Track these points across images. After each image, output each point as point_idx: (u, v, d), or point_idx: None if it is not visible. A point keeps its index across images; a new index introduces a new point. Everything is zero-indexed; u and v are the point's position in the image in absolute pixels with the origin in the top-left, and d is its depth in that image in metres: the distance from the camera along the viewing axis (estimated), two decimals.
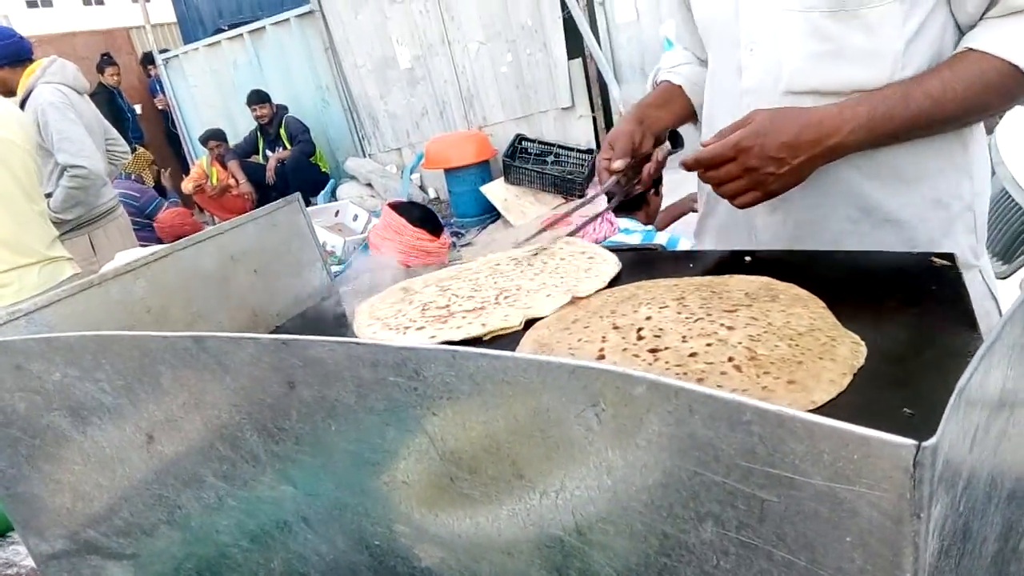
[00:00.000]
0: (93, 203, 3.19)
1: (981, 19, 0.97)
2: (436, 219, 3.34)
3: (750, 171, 0.97)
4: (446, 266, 1.29)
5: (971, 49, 0.95)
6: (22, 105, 3.04)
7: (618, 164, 1.14)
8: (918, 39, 0.98)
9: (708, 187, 1.06)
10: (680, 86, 1.30)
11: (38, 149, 3.01)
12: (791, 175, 0.97)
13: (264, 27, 7.16)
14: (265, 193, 6.64)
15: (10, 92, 3.07)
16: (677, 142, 1.25)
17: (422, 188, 6.85)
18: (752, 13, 1.06)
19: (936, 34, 0.99)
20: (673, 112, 1.28)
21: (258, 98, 6.79)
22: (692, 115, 1.31)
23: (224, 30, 7.60)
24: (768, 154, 0.95)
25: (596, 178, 1.24)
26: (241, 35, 7.33)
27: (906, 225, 1.08)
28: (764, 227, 1.17)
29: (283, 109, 6.94)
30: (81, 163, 2.99)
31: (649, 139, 1.20)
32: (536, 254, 1.21)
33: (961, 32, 1.01)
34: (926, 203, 1.08)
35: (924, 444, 0.32)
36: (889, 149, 1.03)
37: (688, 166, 1.02)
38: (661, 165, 1.21)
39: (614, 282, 1.06)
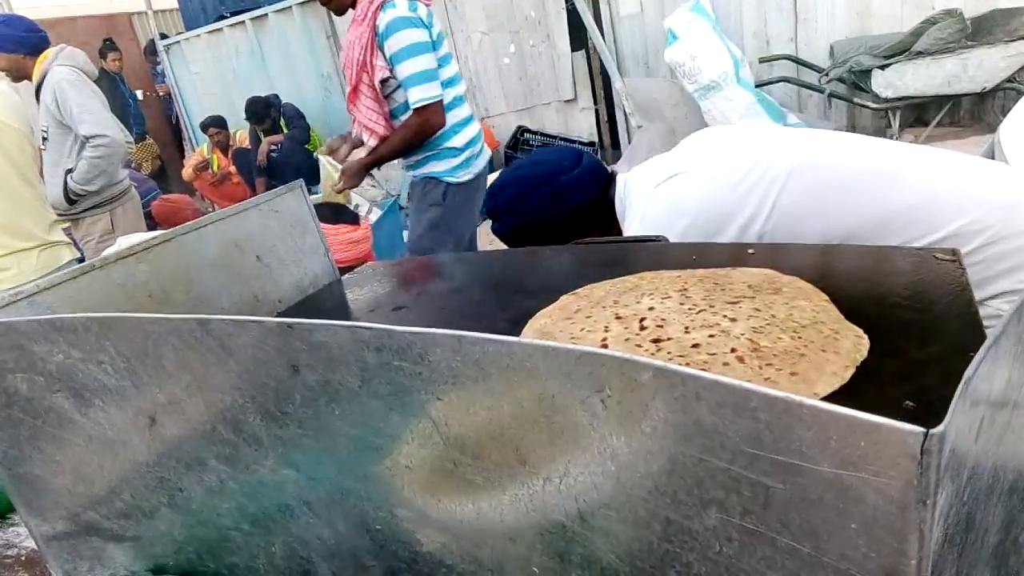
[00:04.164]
0: (115, 173, 3.23)
1: None
2: (349, 213, 3.48)
3: None
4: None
5: None
6: (38, 89, 3.05)
7: None
8: None
9: None
10: None
11: (58, 125, 3.03)
12: None
13: (266, 14, 7.11)
14: (267, 184, 6.58)
15: (23, 78, 3.11)
16: None
17: None
18: None
19: None
20: None
21: (263, 108, 6.41)
22: None
23: (226, 17, 7.55)
24: None
25: None
26: (243, 22, 7.27)
27: None
28: None
29: (275, 98, 6.83)
30: (104, 132, 3.03)
31: None
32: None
33: None
34: None
35: (932, 431, 0.32)
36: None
37: None
38: None
39: (616, 273, 1.06)
